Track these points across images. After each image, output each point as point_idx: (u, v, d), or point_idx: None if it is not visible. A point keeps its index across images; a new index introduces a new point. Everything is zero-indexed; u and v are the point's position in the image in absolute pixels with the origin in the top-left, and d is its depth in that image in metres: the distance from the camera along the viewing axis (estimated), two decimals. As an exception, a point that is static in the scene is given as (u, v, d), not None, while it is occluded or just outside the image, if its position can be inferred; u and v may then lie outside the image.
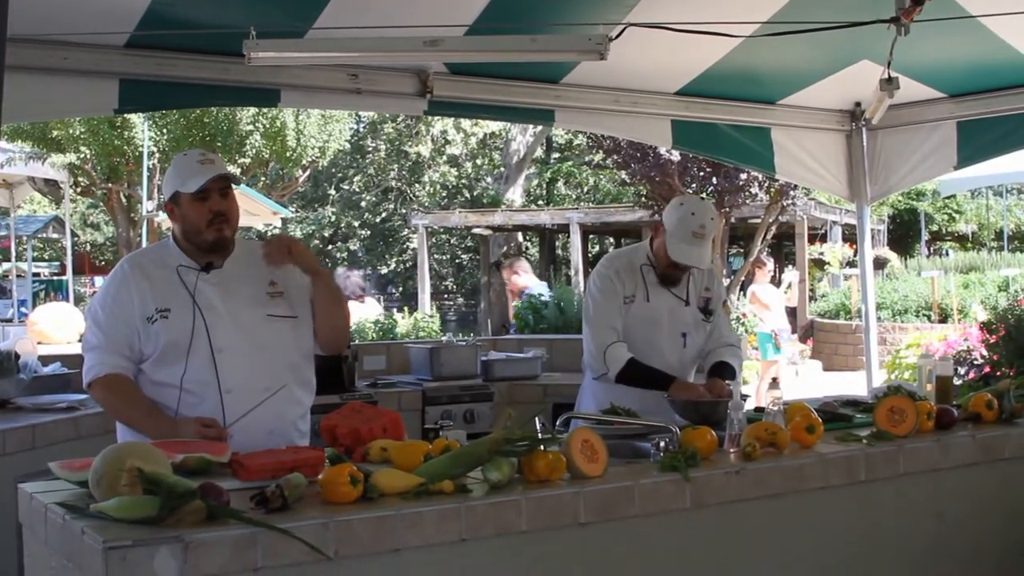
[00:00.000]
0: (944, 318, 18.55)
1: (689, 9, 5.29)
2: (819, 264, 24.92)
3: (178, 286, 3.89)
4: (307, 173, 30.55)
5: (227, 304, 3.91)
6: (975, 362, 6.89)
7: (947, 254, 32.93)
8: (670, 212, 5.07)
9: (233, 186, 4.03)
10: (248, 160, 25.82)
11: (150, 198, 22.58)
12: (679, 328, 5.17)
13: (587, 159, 35.63)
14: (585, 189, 38.41)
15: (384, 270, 43.07)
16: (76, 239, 36.46)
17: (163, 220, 20.64)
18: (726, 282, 21.66)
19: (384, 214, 40.89)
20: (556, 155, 39.23)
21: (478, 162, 39.10)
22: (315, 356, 4.18)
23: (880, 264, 23.35)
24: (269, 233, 26.84)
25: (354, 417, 3.69)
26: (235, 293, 3.94)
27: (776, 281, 18.21)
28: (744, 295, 22.74)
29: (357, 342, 8.72)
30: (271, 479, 2.93)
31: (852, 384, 14.27)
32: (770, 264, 15.29)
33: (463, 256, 43.31)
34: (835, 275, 24.36)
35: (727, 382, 4.98)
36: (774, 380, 4.29)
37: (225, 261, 3.98)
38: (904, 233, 33.85)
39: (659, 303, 5.14)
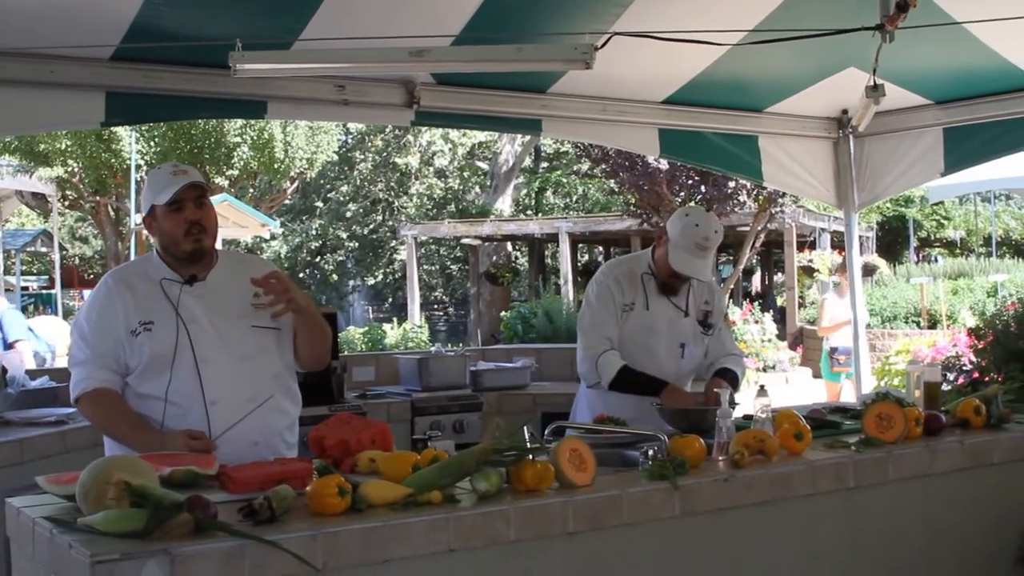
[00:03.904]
0: (933, 324, 18.59)
1: (675, 18, 5.31)
2: (808, 271, 24.95)
3: (161, 299, 3.90)
4: (295, 185, 30.56)
5: (210, 316, 3.91)
6: (963, 368, 6.87)
7: (936, 260, 32.98)
8: (674, 221, 5.03)
9: (211, 196, 4.02)
10: (236, 172, 25.83)
11: (138, 211, 22.55)
12: (677, 339, 5.14)
13: (575, 168, 35.68)
14: (574, 198, 38.47)
15: (373, 280, 43.06)
16: (64, 252, 36.45)
17: (151, 233, 20.59)
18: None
19: (372, 225, 40.90)
20: (544, 165, 39.25)
21: (465, 174, 39.13)
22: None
23: (869, 271, 23.36)
24: (254, 245, 26.86)
25: (342, 428, 3.69)
26: (219, 305, 3.94)
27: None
28: (733, 303, 22.85)
29: (346, 353, 8.71)
30: (259, 491, 2.92)
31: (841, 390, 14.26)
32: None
33: (452, 266, 43.32)
34: (824, 282, 24.38)
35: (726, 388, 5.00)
36: (762, 387, 4.24)
37: (209, 273, 3.98)
38: (893, 240, 33.93)
39: (658, 312, 5.12)
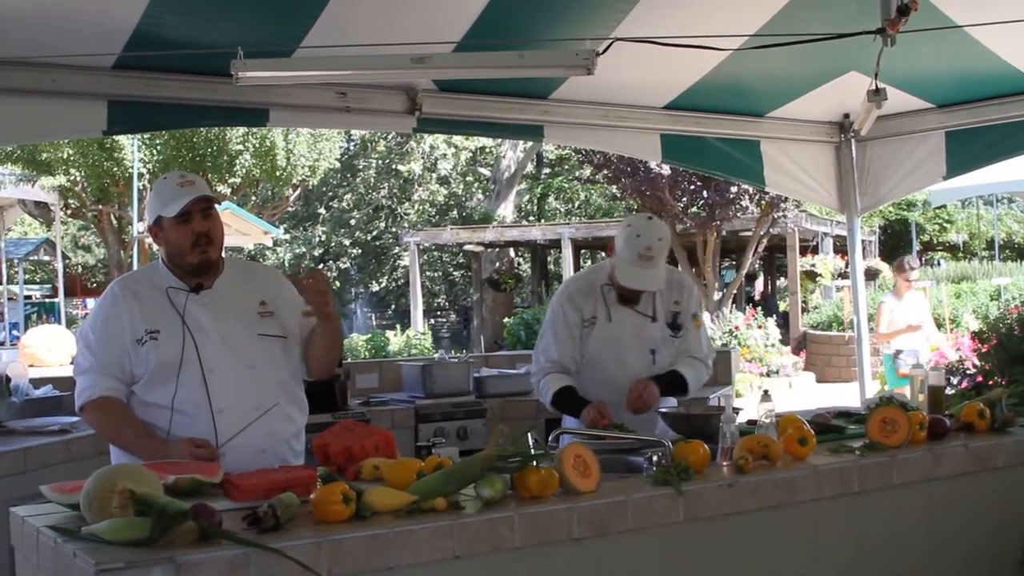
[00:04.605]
0: (936, 328, 18.56)
1: (676, 23, 5.30)
2: (811, 276, 24.93)
3: (167, 307, 3.89)
4: (297, 192, 30.56)
5: (217, 324, 3.91)
6: (967, 371, 6.87)
7: (939, 264, 33.01)
8: (618, 234, 4.95)
9: (216, 206, 4.02)
10: (238, 180, 25.83)
11: (141, 219, 22.60)
12: (647, 345, 5.01)
13: (577, 174, 35.67)
14: (576, 204, 38.45)
15: (376, 287, 43.05)
16: (67, 261, 36.45)
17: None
18: (717, 296, 21.70)
19: (375, 232, 40.89)
20: (547, 170, 39.26)
21: (468, 180, 39.12)
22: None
23: (872, 275, 23.35)
24: (257, 253, 26.95)
25: (346, 435, 3.69)
26: (225, 313, 3.94)
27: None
28: (736, 308, 22.83)
29: (349, 360, 8.72)
30: (263, 499, 2.92)
31: (845, 395, 14.27)
32: (914, 269, 12.01)
33: (455, 273, 43.29)
34: (827, 287, 24.39)
35: (671, 397, 4.97)
36: (765, 392, 4.23)
37: (215, 282, 3.98)
38: (896, 243, 33.91)
39: (622, 322, 5.00)
